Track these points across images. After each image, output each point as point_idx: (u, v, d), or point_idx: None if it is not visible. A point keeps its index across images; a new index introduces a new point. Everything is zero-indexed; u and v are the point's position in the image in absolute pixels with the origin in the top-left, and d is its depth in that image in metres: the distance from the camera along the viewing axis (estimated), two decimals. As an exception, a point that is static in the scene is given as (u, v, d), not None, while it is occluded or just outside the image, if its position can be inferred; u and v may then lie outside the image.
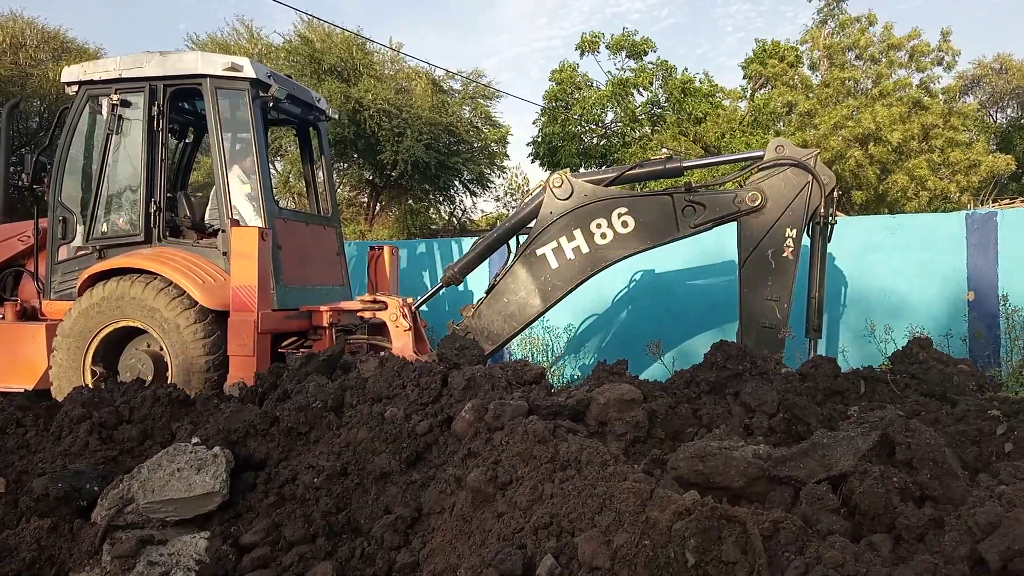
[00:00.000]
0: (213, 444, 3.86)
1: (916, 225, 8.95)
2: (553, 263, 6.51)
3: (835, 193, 6.45)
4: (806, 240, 6.36)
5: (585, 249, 6.45)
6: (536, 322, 9.90)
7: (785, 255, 6.19)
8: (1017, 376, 7.81)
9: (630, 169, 6.83)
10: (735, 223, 6.45)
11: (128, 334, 6.80)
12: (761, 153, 6.46)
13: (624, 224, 6.39)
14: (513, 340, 10.22)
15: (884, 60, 21.15)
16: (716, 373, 5.23)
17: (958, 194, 19.09)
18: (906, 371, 5.52)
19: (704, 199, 6.36)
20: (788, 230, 6.18)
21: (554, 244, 6.51)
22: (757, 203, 6.20)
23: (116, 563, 3.33)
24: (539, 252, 6.54)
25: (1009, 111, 33.05)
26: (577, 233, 6.45)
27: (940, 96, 20.90)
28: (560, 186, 6.50)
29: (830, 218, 6.35)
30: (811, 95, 20.72)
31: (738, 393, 4.95)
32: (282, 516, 3.52)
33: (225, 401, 4.82)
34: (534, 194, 6.96)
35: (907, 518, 2.65)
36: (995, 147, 20.75)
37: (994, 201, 19.80)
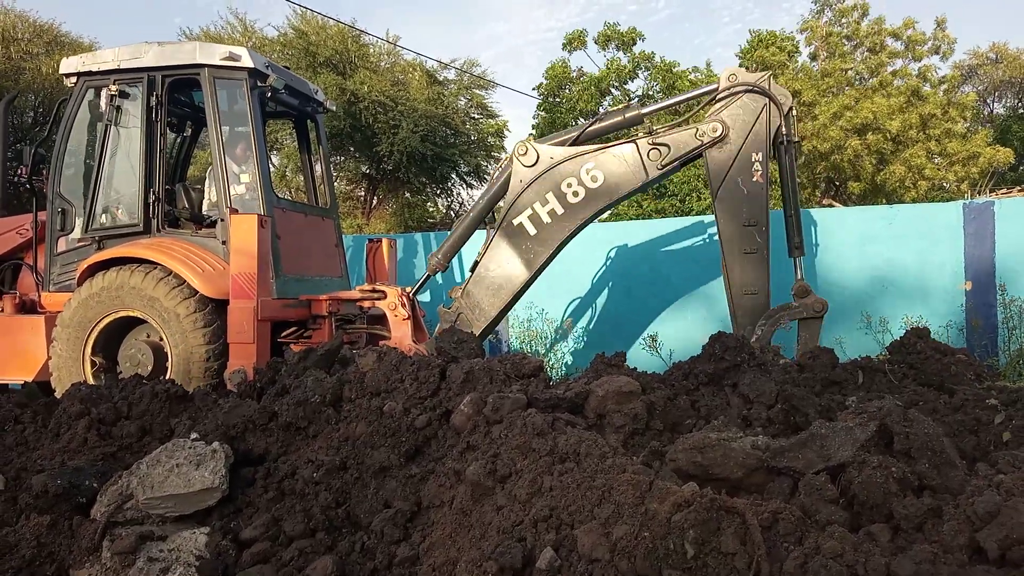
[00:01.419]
0: (212, 439, 3.85)
1: (913, 215, 8.95)
2: (532, 230, 6.60)
3: (793, 112, 6.58)
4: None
5: (560, 210, 6.55)
6: (534, 309, 9.94)
7: (755, 180, 6.31)
8: (1015, 365, 7.84)
9: (591, 125, 6.90)
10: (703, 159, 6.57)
11: (128, 324, 6.80)
12: (715, 85, 6.56)
13: (594, 179, 6.50)
14: (512, 333, 10.26)
15: (882, 51, 21.11)
16: (714, 364, 5.23)
17: (956, 184, 19.08)
18: (904, 361, 5.54)
19: (667, 140, 6.45)
20: (754, 155, 6.30)
21: (529, 211, 6.60)
22: (719, 133, 6.30)
23: (116, 559, 3.33)
24: (516, 222, 6.62)
25: (1005, 101, 33.05)
26: (550, 196, 6.55)
27: (940, 86, 20.87)
28: (525, 154, 6.60)
29: (792, 136, 6.46)
30: (810, 87, 20.68)
31: (736, 384, 4.96)
32: (282, 511, 3.52)
33: (223, 396, 4.81)
34: (501, 167, 7.01)
35: (905, 508, 2.66)
36: (992, 139, 20.69)
37: (991, 191, 19.81)
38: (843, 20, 22.68)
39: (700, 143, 6.36)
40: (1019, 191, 19.22)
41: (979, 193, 18.07)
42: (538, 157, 6.60)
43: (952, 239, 8.57)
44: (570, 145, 6.73)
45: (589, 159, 6.53)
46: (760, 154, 6.29)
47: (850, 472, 2.91)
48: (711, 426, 3.69)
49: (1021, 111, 31.87)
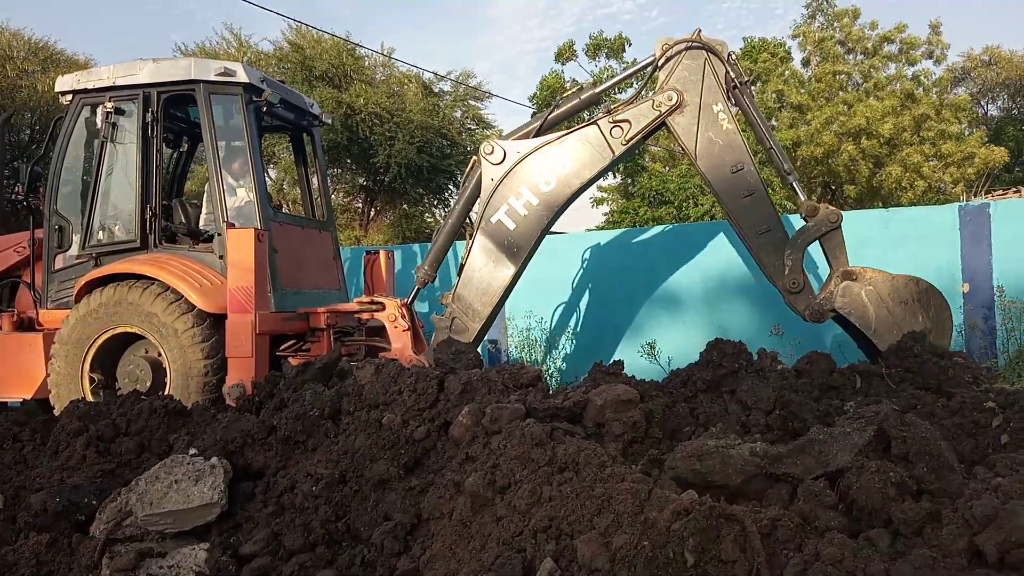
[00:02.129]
0: (211, 455, 3.85)
1: (909, 218, 8.97)
2: (510, 224, 6.66)
3: (733, 55, 6.71)
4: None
5: (536, 201, 6.62)
6: (532, 318, 9.94)
7: (724, 128, 6.42)
8: (1014, 367, 7.84)
9: (550, 113, 6.97)
10: (666, 128, 6.66)
11: (126, 340, 6.78)
12: (653, 55, 6.69)
13: (562, 165, 6.60)
14: (511, 342, 10.26)
15: (876, 54, 21.21)
16: (712, 371, 5.24)
17: (952, 186, 19.14)
18: (901, 365, 5.53)
19: (627, 116, 6.55)
20: (714, 107, 6.42)
21: (505, 207, 6.66)
22: (675, 101, 6.42)
23: (116, 576, 3.32)
24: (494, 219, 6.67)
25: (999, 103, 33.19)
26: (523, 189, 6.63)
27: (933, 89, 20.96)
28: (491, 152, 6.68)
29: (741, 78, 6.58)
30: (803, 90, 20.77)
31: (734, 391, 4.96)
32: (281, 525, 3.52)
33: (222, 411, 4.81)
34: (471, 170, 7.05)
35: (904, 512, 2.66)
36: (987, 139, 20.78)
37: (987, 192, 19.86)
38: (835, 24, 22.80)
39: (659, 113, 6.48)
40: (1015, 192, 19.27)
41: (975, 195, 18.13)
42: (505, 154, 6.67)
43: (949, 241, 8.58)
44: (534, 136, 6.81)
45: (555, 147, 6.63)
46: (719, 103, 6.43)
47: (848, 477, 2.91)
48: (709, 433, 3.69)
49: (1015, 112, 32.01)
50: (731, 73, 6.54)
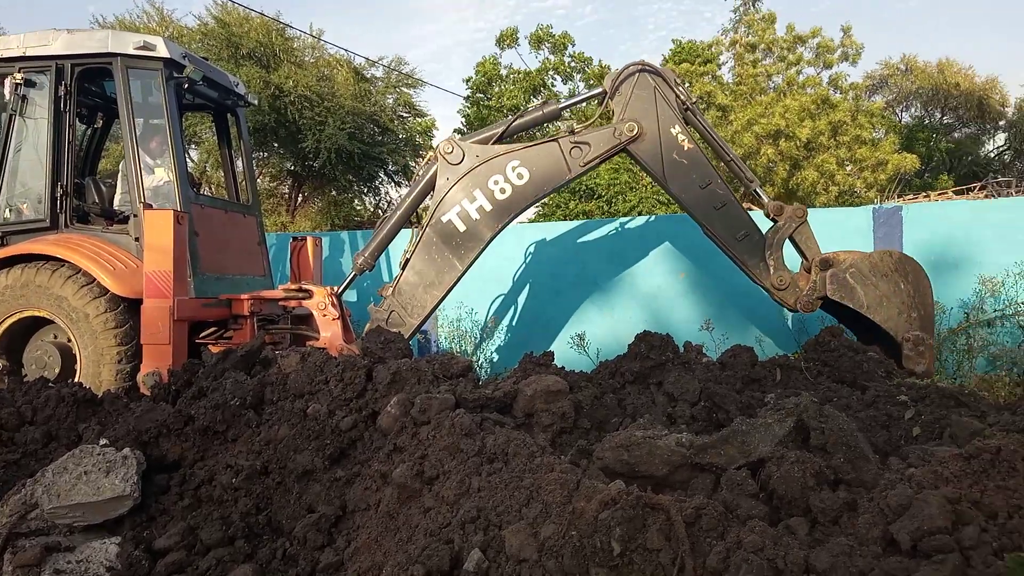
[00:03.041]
0: (123, 445, 3.68)
1: (825, 219, 9.29)
2: (461, 226, 6.69)
3: (679, 79, 7.02)
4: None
5: (488, 207, 6.68)
6: (463, 309, 9.91)
7: (686, 148, 6.69)
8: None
9: (512, 122, 7.06)
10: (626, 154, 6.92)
11: (34, 324, 6.48)
12: (602, 88, 6.93)
13: (519, 176, 6.68)
14: (441, 332, 10.19)
15: (791, 56, 21.95)
16: (640, 363, 5.32)
17: (865, 190, 19.97)
18: (819, 359, 5.74)
19: (588, 138, 6.72)
20: (672, 129, 6.67)
21: (458, 208, 6.68)
22: (635, 132, 6.64)
23: (19, 572, 3.14)
24: (445, 219, 6.68)
25: (913, 110, 34.85)
26: (477, 193, 6.67)
27: (849, 93, 21.81)
28: (451, 152, 6.69)
29: (690, 100, 6.86)
30: (727, 92, 21.32)
31: (661, 383, 5.04)
32: (198, 518, 3.39)
33: (135, 400, 4.60)
34: (426, 165, 7.03)
35: (822, 501, 2.74)
36: (899, 146, 21.78)
37: (899, 196, 20.81)
38: (752, 29, 23.51)
39: (619, 141, 6.66)
40: (925, 196, 20.24)
41: (887, 199, 18.97)
42: (464, 155, 6.67)
43: (863, 242, 8.94)
44: (495, 142, 6.83)
45: (515, 156, 6.68)
46: (676, 126, 6.67)
47: (769, 467, 2.99)
48: (637, 424, 3.74)
49: (927, 121, 33.67)
50: (681, 96, 6.76)
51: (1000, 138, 34.61)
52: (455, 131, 22.60)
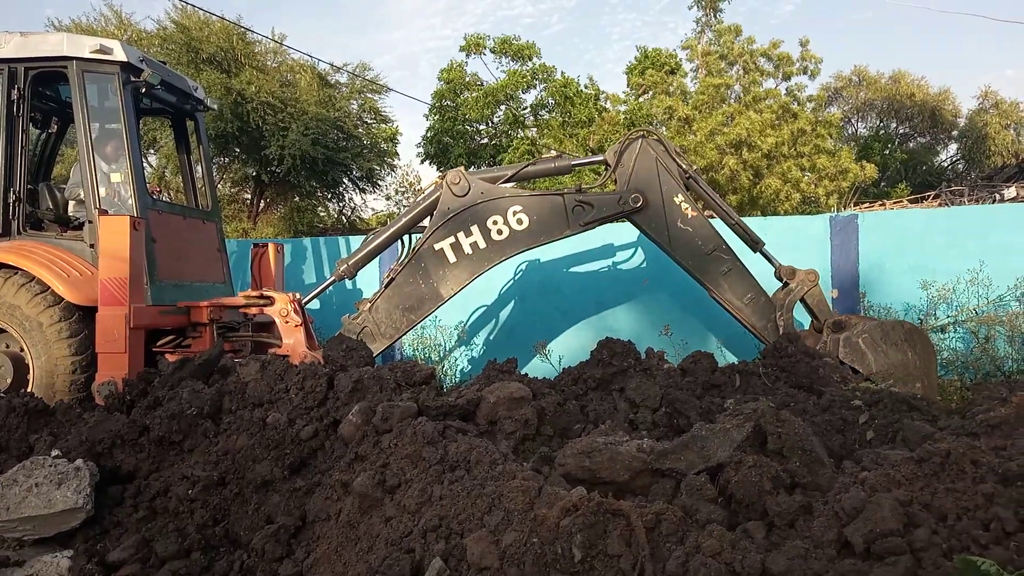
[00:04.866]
0: (75, 456, 3.59)
1: (784, 227, 9.47)
2: (451, 257, 6.69)
3: (678, 149, 7.12)
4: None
5: (482, 245, 6.68)
6: (428, 318, 9.87)
7: (690, 216, 6.76)
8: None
9: (523, 168, 7.13)
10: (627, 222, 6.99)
11: None
12: (603, 157, 7.07)
13: (519, 221, 6.69)
14: (404, 339, 10.13)
15: (754, 69, 22.34)
16: (602, 370, 5.35)
17: (825, 198, 20.38)
18: (776, 364, 5.84)
19: (591, 199, 6.75)
20: (675, 199, 6.74)
21: (452, 240, 6.67)
22: (639, 204, 6.68)
23: (-37, 590, 3.05)
24: (437, 247, 6.67)
25: (868, 121, 35.70)
26: (474, 229, 6.67)
27: (808, 104, 22.27)
28: (458, 183, 6.69)
29: (690, 169, 6.94)
30: (687, 101, 21.60)
31: (623, 389, 5.08)
32: (153, 531, 3.32)
33: (89, 410, 4.49)
34: (429, 191, 7.03)
35: (779, 505, 2.78)
36: (855, 157, 22.29)
37: (855, 205, 21.28)
38: (720, 40, 23.86)
39: (622, 209, 6.73)
40: (880, 205, 20.73)
41: (844, 207, 19.38)
42: (469, 189, 6.68)
43: (820, 249, 9.12)
44: (502, 183, 6.89)
45: (517, 202, 6.71)
46: (680, 194, 6.75)
47: (728, 472, 3.03)
48: (599, 430, 3.76)
49: (882, 131, 34.50)
50: (682, 165, 6.84)
51: (952, 148, 35.63)
52: (465, 166, 22.57)
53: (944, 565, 2.28)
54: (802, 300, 6.94)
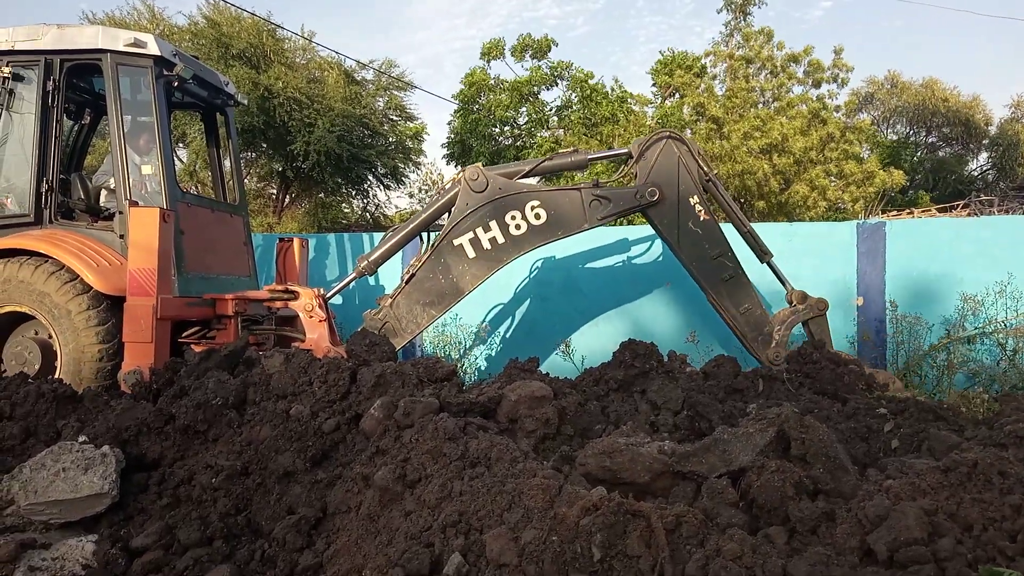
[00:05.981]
0: (102, 443, 3.65)
1: (811, 233, 9.38)
2: (470, 252, 6.73)
3: (702, 151, 7.12)
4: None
5: (501, 240, 6.72)
6: (448, 314, 9.90)
7: (702, 218, 6.77)
8: (902, 377, 8.31)
9: (541, 163, 7.15)
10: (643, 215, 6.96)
11: (15, 320, 6.40)
12: (628, 149, 7.03)
13: (537, 216, 6.72)
14: (426, 337, 10.17)
15: (783, 74, 22.13)
16: (624, 371, 5.34)
17: (851, 204, 20.14)
18: (800, 370, 5.78)
19: (608, 193, 6.78)
20: (690, 199, 6.76)
21: (471, 235, 6.71)
22: (656, 197, 6.69)
23: (-9, 570, 3.11)
24: (456, 242, 6.71)
25: (899, 127, 35.25)
26: (493, 224, 6.71)
27: (840, 111, 22.02)
28: (476, 179, 6.73)
29: (710, 172, 6.94)
30: (717, 104, 21.43)
31: (645, 391, 5.06)
32: (176, 518, 3.36)
33: (116, 398, 4.57)
34: (448, 187, 7.05)
35: (801, 511, 2.76)
36: (884, 163, 22.02)
37: (883, 212, 21.01)
38: (748, 44, 23.63)
39: (638, 203, 6.75)
40: (908, 213, 20.45)
41: (870, 214, 19.15)
42: (487, 184, 6.72)
43: (846, 257, 9.03)
44: (520, 178, 6.92)
45: (535, 197, 6.75)
46: (695, 196, 6.76)
47: (750, 476, 3.00)
48: (620, 431, 3.75)
49: (912, 139, 34.06)
50: (703, 167, 6.85)
51: (983, 157, 35.08)
52: (483, 162, 22.57)
53: (968, 575, 2.25)
54: (805, 324, 6.92)
